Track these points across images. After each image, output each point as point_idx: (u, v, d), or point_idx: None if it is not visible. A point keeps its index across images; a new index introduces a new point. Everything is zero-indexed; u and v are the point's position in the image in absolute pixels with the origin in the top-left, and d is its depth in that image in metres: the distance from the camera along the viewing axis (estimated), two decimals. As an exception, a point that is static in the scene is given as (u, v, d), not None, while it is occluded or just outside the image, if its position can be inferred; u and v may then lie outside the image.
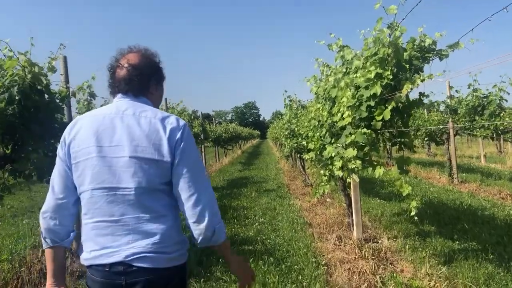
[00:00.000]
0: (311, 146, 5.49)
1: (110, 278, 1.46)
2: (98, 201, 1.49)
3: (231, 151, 26.68)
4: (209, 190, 1.55)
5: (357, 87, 3.85)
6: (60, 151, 1.58)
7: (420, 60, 3.71)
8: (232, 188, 10.32)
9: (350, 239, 5.07)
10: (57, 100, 4.38)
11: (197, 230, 1.50)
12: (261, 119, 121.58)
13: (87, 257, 1.52)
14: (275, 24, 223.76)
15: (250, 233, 5.61)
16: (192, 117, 12.25)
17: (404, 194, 3.82)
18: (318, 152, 5.31)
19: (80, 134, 1.55)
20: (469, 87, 9.57)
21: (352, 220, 5.18)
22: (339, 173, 3.89)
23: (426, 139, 13.18)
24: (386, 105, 3.45)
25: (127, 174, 1.47)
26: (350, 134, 3.88)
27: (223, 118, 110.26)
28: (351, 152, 3.82)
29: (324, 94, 4.99)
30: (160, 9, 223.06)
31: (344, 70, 4.35)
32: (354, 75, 4.01)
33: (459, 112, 9.85)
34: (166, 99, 10.10)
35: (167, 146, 1.49)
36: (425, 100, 3.84)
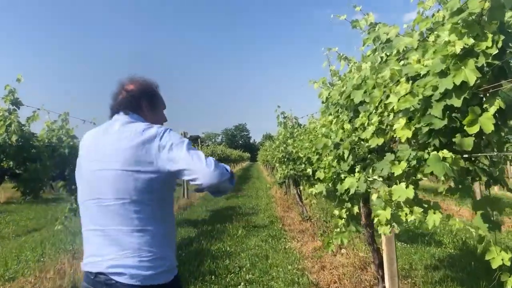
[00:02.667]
0: (319, 175, 3.81)
1: (94, 286, 1.52)
2: (88, 211, 1.59)
3: (219, 175, 24.84)
4: (206, 161, 1.51)
5: (413, 79, 2.22)
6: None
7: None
8: (215, 222, 8.49)
9: (382, 319, 3.35)
10: None
11: (209, 182, 1.49)
12: (251, 141, 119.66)
13: (82, 262, 1.61)
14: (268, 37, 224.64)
15: (232, 304, 3.83)
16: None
17: (494, 266, 2.12)
18: (330, 185, 3.66)
19: (82, 149, 1.71)
20: None
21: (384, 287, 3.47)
22: (386, 231, 2.20)
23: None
24: (484, 106, 1.81)
25: (110, 186, 1.52)
26: (399, 159, 2.23)
27: (213, 140, 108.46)
28: (404, 191, 2.15)
29: (340, 99, 3.37)
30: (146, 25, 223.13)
31: (381, 57, 2.73)
32: (403, 62, 2.40)
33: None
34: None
35: (147, 156, 1.51)
36: None
